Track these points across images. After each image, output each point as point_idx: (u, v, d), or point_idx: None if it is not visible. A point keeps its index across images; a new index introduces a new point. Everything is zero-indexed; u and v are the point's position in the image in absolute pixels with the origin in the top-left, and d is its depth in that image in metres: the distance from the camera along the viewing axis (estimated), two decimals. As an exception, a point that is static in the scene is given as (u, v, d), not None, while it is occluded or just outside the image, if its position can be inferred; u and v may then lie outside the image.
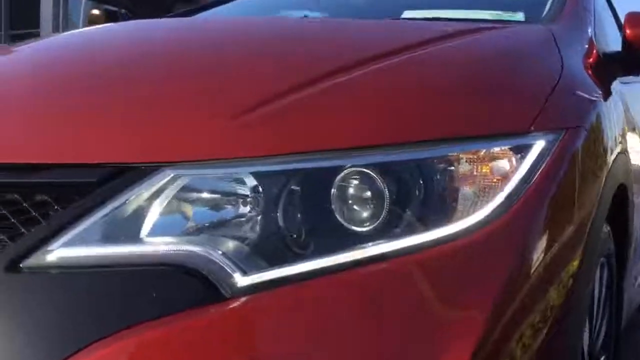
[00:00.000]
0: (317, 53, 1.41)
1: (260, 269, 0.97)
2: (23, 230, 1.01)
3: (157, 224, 1.01)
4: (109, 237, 0.99)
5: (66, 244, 0.97)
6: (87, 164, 1.04)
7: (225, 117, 1.10)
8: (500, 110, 1.21)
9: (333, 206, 1.02)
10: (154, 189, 1.01)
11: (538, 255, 1.09)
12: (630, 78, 2.13)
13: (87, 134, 1.11)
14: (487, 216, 1.05)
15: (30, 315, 0.94)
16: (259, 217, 1.02)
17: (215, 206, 1.05)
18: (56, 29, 13.79)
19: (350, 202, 1.03)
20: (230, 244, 0.99)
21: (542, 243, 1.11)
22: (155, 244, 0.99)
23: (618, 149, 1.57)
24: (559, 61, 1.49)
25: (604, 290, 1.61)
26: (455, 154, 1.09)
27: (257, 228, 1.01)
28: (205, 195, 1.04)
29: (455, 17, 1.99)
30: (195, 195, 1.04)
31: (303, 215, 1.02)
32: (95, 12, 3.00)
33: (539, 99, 1.26)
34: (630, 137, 1.88)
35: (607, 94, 1.67)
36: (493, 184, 1.09)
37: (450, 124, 1.14)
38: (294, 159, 1.03)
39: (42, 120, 1.16)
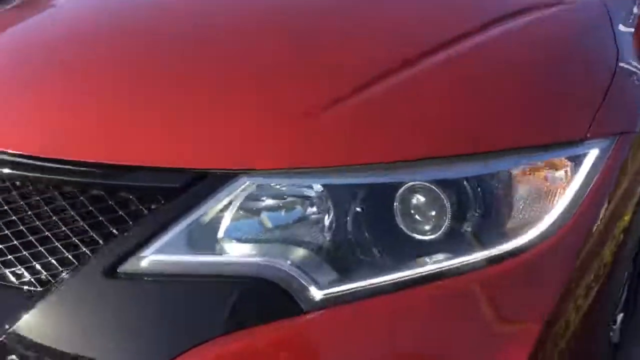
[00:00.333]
0: (381, 44, 1.38)
1: (333, 280, 1.04)
2: (112, 229, 1.09)
3: (234, 232, 1.07)
4: (192, 245, 1.06)
5: (157, 251, 1.05)
6: (170, 168, 1.10)
7: (299, 121, 1.13)
8: (557, 117, 1.22)
9: (397, 217, 1.08)
10: (232, 196, 1.07)
11: (593, 264, 1.15)
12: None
13: (170, 138, 1.14)
14: (546, 230, 1.10)
15: (125, 321, 1.03)
16: (330, 228, 1.08)
17: (286, 215, 1.10)
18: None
19: (413, 212, 1.09)
20: (304, 255, 1.06)
21: (597, 253, 1.17)
22: (234, 254, 1.06)
23: None
24: (614, 49, 1.47)
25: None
26: (516, 167, 1.12)
27: (328, 238, 1.07)
28: (276, 202, 1.10)
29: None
30: (267, 203, 1.10)
31: (370, 225, 1.08)
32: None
33: (594, 102, 1.27)
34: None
35: None
36: (550, 195, 1.13)
37: (510, 134, 1.16)
38: (362, 171, 1.08)
39: (124, 119, 1.19)
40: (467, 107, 1.18)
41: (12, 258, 1.13)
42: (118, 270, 1.04)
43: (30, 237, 1.13)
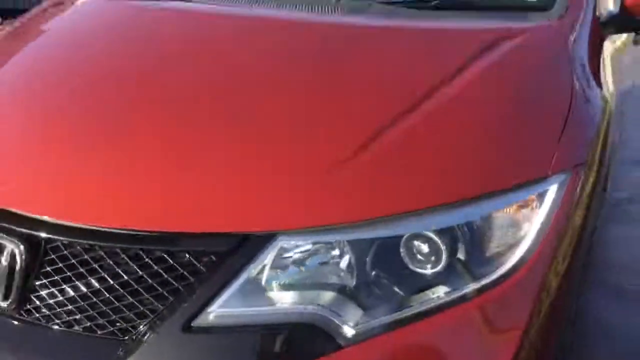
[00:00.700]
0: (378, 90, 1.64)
1: (360, 317, 1.29)
2: (178, 286, 1.31)
3: (275, 284, 1.32)
4: (245, 301, 1.30)
5: (220, 306, 1.29)
6: (216, 232, 1.33)
7: (322, 176, 1.37)
8: (525, 157, 1.46)
9: (404, 258, 1.34)
10: (273, 253, 1.32)
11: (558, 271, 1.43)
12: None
13: (212, 203, 1.36)
14: (522, 257, 1.36)
15: None
16: (351, 271, 1.33)
17: (314, 263, 1.34)
18: None
19: (416, 253, 1.35)
20: (333, 298, 1.31)
21: (560, 268, 1.45)
22: (281, 303, 1.30)
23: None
24: (570, 76, 1.69)
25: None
26: (497, 209, 1.37)
27: (351, 281, 1.32)
28: (305, 254, 1.34)
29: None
30: (298, 255, 1.33)
31: (383, 268, 1.34)
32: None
33: (554, 137, 1.50)
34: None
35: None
36: (523, 228, 1.39)
37: (489, 178, 1.40)
38: (378, 225, 1.32)
39: (178, 194, 1.38)
40: (449, 162, 1.43)
41: (95, 314, 1.36)
42: (192, 325, 1.28)
43: (108, 295, 1.35)
